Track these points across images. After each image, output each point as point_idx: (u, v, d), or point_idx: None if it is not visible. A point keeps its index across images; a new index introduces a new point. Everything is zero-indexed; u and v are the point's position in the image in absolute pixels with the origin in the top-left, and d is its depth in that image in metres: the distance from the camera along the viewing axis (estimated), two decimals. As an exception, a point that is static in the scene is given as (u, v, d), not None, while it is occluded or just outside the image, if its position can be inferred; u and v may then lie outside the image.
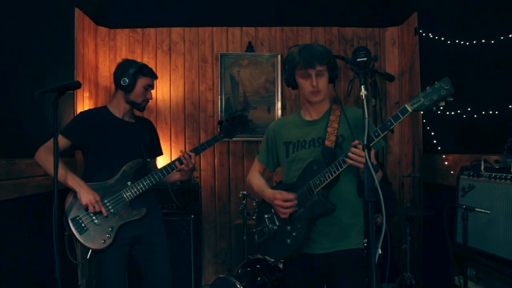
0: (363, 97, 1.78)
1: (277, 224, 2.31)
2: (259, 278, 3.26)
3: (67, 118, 3.77)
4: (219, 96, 4.57)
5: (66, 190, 2.74)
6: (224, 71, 4.58)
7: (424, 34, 3.94)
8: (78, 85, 2.42)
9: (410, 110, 1.99)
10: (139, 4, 4.55)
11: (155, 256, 2.85)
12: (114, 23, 4.54)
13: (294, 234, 2.22)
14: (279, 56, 4.56)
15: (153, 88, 2.90)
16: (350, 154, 1.99)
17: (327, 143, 2.22)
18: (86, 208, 2.65)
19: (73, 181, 2.63)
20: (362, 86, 1.80)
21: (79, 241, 2.64)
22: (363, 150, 1.76)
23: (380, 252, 3.36)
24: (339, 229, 2.23)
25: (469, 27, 3.28)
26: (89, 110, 3.20)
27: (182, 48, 4.60)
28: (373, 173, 1.70)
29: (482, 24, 3.11)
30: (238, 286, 3.14)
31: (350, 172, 2.21)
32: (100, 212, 2.66)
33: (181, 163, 2.79)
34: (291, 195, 2.21)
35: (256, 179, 2.58)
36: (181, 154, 2.81)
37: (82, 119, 2.83)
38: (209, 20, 4.58)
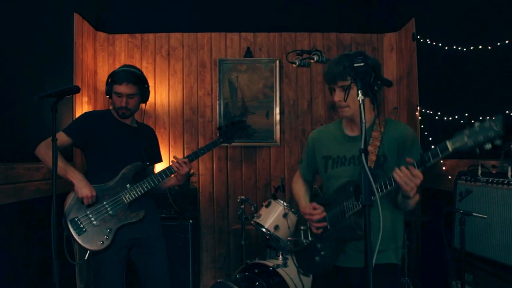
0: (360, 101, 1.73)
1: (310, 238, 2.28)
2: (257, 283, 3.25)
3: (65, 123, 3.77)
4: (218, 101, 4.58)
5: (65, 194, 2.74)
6: (223, 76, 4.58)
7: (422, 40, 3.95)
8: (77, 90, 2.42)
9: (451, 150, 1.78)
10: (138, 9, 4.57)
11: (154, 260, 2.85)
12: (113, 28, 4.56)
13: (323, 253, 2.19)
14: (277, 62, 4.57)
15: (126, 96, 2.79)
16: (398, 172, 1.83)
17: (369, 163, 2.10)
18: (84, 206, 2.66)
19: (72, 174, 2.65)
20: (359, 91, 1.75)
21: (77, 242, 2.63)
22: (360, 154, 1.69)
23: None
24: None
25: (466, 32, 3.30)
26: (93, 111, 3.29)
27: (181, 53, 4.61)
28: (370, 177, 1.68)
29: (480, 29, 3.12)
30: (236, 290, 3.13)
31: (386, 197, 2.10)
32: (99, 213, 2.67)
33: (173, 171, 2.81)
34: (320, 214, 2.17)
35: (297, 186, 2.51)
36: (173, 161, 2.81)
37: (85, 119, 2.87)
38: (208, 26, 4.61)
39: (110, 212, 2.70)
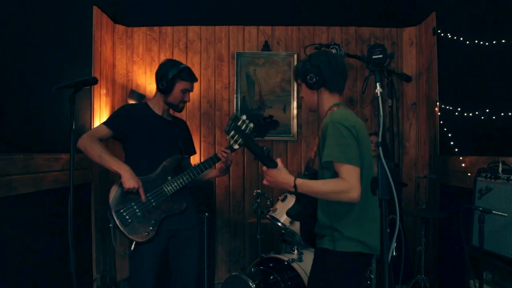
0: (378, 94, 1.75)
1: None
2: (271, 277, 3.25)
3: (83, 114, 3.82)
4: (235, 95, 4.58)
5: (83, 185, 2.78)
6: (240, 69, 4.58)
7: (442, 34, 3.89)
8: (94, 81, 2.48)
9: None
10: (156, 2, 4.58)
11: (187, 250, 2.93)
12: (131, 21, 4.59)
13: None
14: (295, 56, 4.55)
15: (191, 91, 2.96)
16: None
17: (311, 153, 2.28)
18: (129, 198, 2.72)
19: (119, 165, 2.70)
20: (378, 84, 1.77)
21: (123, 233, 2.69)
22: (377, 147, 1.70)
23: (394, 253, 3.37)
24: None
25: (488, 27, 3.23)
26: (131, 104, 3.39)
27: (199, 46, 4.62)
28: (387, 170, 1.68)
29: (502, 23, 3.06)
30: (251, 284, 3.14)
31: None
32: (143, 205, 2.73)
33: (219, 159, 2.89)
34: None
35: None
36: (220, 151, 2.91)
37: (124, 112, 2.93)
38: (226, 19, 4.60)
39: (154, 203, 2.76)
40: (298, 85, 2.37)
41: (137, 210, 2.72)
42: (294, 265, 3.31)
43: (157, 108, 2.95)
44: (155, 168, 2.82)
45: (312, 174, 2.21)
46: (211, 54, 4.62)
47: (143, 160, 2.81)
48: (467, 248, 2.81)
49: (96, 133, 2.80)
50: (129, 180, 2.67)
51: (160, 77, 2.86)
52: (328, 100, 2.26)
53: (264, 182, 2.13)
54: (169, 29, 4.61)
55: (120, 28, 4.56)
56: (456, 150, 3.66)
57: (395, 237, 1.88)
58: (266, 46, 4.58)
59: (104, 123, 2.84)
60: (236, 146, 2.08)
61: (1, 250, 2.64)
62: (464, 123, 3.51)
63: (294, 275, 3.27)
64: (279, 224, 3.47)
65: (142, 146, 2.84)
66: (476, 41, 3.31)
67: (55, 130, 3.28)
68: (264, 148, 2.04)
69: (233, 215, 4.64)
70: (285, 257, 3.40)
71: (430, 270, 4.07)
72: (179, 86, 2.87)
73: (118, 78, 4.54)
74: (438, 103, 4.00)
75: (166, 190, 2.79)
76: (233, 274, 3.35)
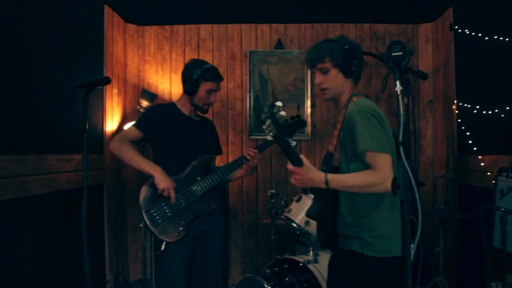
0: (398, 92, 1.68)
1: None
2: (287, 279, 3.21)
3: (96, 114, 3.82)
4: (248, 94, 4.55)
5: (96, 186, 2.77)
6: (253, 68, 4.55)
7: (460, 30, 3.82)
8: (107, 81, 2.47)
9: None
10: (167, 1, 4.53)
11: (212, 250, 2.92)
12: (142, 20, 4.57)
13: None
14: None
15: (217, 91, 2.95)
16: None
17: (330, 147, 2.15)
18: (159, 198, 2.71)
19: (151, 167, 2.71)
20: (397, 82, 1.70)
21: (154, 233, 2.70)
22: (398, 147, 1.64)
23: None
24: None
25: (508, 22, 3.16)
26: (159, 105, 3.42)
27: (211, 45, 4.60)
28: (409, 170, 1.63)
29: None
30: (266, 286, 3.09)
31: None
32: (173, 205, 2.73)
33: (246, 160, 2.90)
34: None
35: None
36: (247, 151, 2.93)
37: (153, 113, 2.97)
38: (238, 17, 4.57)
39: (183, 204, 2.76)
40: (321, 69, 2.16)
41: (167, 211, 2.72)
42: (310, 266, 3.25)
43: (184, 108, 2.95)
44: (184, 168, 2.82)
45: (332, 170, 2.09)
46: (223, 53, 4.60)
47: (172, 160, 2.82)
48: (488, 249, 2.75)
49: (126, 135, 2.82)
50: (162, 181, 2.67)
51: (185, 78, 2.86)
52: (350, 90, 2.19)
53: (292, 181, 2.02)
54: (180, 27, 4.59)
55: (131, 27, 4.55)
56: (475, 149, 3.59)
57: (416, 240, 1.76)
58: (279, 44, 4.54)
59: (134, 124, 2.87)
60: (269, 137, 1.92)
61: (16, 251, 2.65)
62: (483, 121, 3.44)
63: (310, 277, 3.21)
64: (294, 225, 3.38)
65: (171, 147, 2.84)
66: (496, 37, 3.24)
67: (68, 130, 3.28)
68: (292, 142, 1.94)
69: (246, 216, 4.61)
70: (300, 259, 3.35)
71: (448, 272, 4.00)
72: (204, 87, 2.86)
73: (130, 78, 4.53)
74: (455, 101, 3.94)
75: (195, 190, 2.80)
76: (247, 275, 3.31)
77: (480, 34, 3.47)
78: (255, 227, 4.59)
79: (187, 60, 4.44)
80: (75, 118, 3.12)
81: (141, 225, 2.73)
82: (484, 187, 3.35)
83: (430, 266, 4.02)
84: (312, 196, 3.40)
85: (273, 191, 3.76)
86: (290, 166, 1.98)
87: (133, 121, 4.12)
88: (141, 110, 4.28)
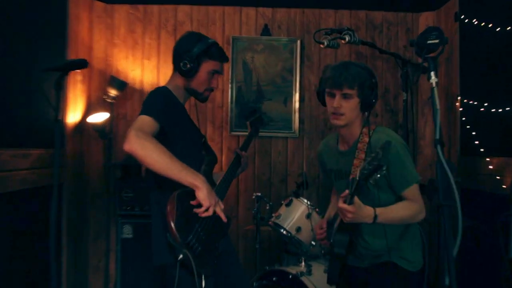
0: (434, 85, 1.77)
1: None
2: (277, 293, 3.09)
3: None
4: (230, 85, 4.38)
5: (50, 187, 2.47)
6: (236, 56, 4.39)
7: (466, 20, 3.76)
8: (84, 64, 2.30)
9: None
10: (140, -24, 4.33)
11: (237, 270, 2.64)
12: (112, -3, 4.32)
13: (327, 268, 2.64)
14: (298, 42, 4.37)
15: (221, 74, 2.55)
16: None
17: (352, 175, 2.24)
18: (193, 218, 2.22)
19: (195, 176, 2.16)
20: (432, 73, 1.79)
21: (191, 267, 2.13)
22: (436, 146, 1.72)
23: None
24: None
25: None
26: (166, 88, 2.47)
27: (190, 29, 4.35)
28: (449, 172, 1.66)
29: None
30: (254, 302, 2.96)
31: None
32: (205, 225, 2.27)
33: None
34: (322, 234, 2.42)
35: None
36: (243, 154, 2.77)
37: (167, 99, 2.38)
38: (221, -2, 4.40)
39: (211, 221, 2.31)
40: (345, 94, 2.21)
41: (201, 233, 2.23)
42: (304, 279, 3.10)
43: (178, 94, 2.45)
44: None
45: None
46: None
47: (186, 161, 2.22)
48: (506, 260, 2.71)
49: (145, 129, 2.14)
50: (211, 195, 2.18)
51: (181, 54, 2.39)
52: (360, 123, 2.32)
53: (346, 219, 2.07)
54: (155, 8, 4.36)
55: (98, 5, 4.29)
56: (482, 150, 3.52)
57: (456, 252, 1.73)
58: (266, 31, 4.39)
59: (149, 114, 2.20)
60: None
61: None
62: (491, 120, 3.37)
63: None
64: (284, 232, 3.32)
65: (182, 146, 2.34)
66: (509, 28, 3.19)
67: (26, 121, 3.06)
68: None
69: (226, 221, 4.42)
70: (292, 270, 3.20)
71: (453, 283, 3.94)
72: (207, 66, 2.42)
73: (96, 63, 4.29)
74: (459, 98, 3.85)
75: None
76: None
77: (490, 25, 3.42)
78: (235, 234, 4.40)
79: (162, 46, 4.39)
80: (33, 107, 2.91)
81: (178, 259, 2.12)
82: (493, 192, 3.27)
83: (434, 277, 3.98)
84: (310, 206, 3.39)
85: (259, 194, 3.62)
86: (343, 205, 2.03)
87: (100, 112, 4.02)
88: (108, 100, 4.11)
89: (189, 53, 2.37)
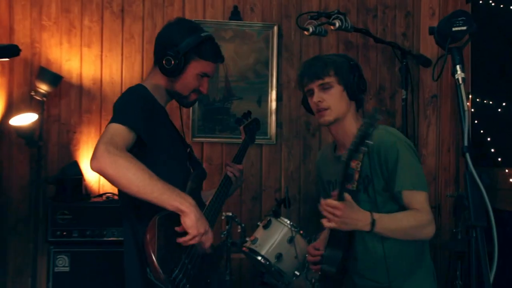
0: (460, 81, 1.72)
1: None
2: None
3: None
4: (192, 80, 4.07)
5: None
6: (199, 45, 4.09)
7: (481, 1, 3.65)
8: (16, 52, 2.28)
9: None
10: None
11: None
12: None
13: None
14: (275, 28, 4.16)
15: (210, 77, 2.33)
16: (321, 206, 1.99)
17: (348, 186, 2.12)
18: (177, 249, 2.08)
19: (180, 199, 2.00)
20: (458, 66, 1.73)
21: None
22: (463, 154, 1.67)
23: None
24: None
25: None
26: (143, 89, 2.31)
27: (141, 10, 4.12)
28: (482, 187, 1.59)
29: None
30: None
31: None
32: (192, 256, 2.14)
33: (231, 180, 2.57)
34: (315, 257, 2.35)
35: None
36: (229, 169, 2.60)
37: (145, 104, 2.18)
38: (180, -27, 4.08)
39: (199, 251, 2.18)
40: (321, 85, 2.20)
41: (189, 266, 2.10)
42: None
43: (159, 96, 2.26)
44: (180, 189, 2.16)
45: None
46: (158, 22, 4.12)
47: (166, 178, 2.06)
48: None
49: (117, 142, 1.99)
50: (202, 222, 2.03)
51: (165, 46, 2.18)
52: (355, 116, 2.29)
53: (329, 224, 1.99)
54: (97, -18, 3.98)
55: (21, -27, 3.87)
56: (499, 160, 3.56)
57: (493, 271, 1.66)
58: (236, 14, 4.15)
59: (121, 122, 2.03)
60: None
61: None
62: (506, 122, 3.43)
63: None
64: (261, 259, 3.15)
65: (160, 159, 2.17)
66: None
67: None
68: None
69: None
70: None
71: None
72: (196, 66, 2.21)
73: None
74: (470, 96, 3.85)
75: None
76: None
77: (511, 7, 3.35)
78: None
79: (106, 30, 4.01)
80: None
81: None
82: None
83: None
84: (294, 228, 3.29)
85: (230, 213, 3.42)
86: (329, 201, 1.98)
87: (26, 112, 3.70)
88: (37, 98, 3.75)
89: (176, 48, 2.17)
